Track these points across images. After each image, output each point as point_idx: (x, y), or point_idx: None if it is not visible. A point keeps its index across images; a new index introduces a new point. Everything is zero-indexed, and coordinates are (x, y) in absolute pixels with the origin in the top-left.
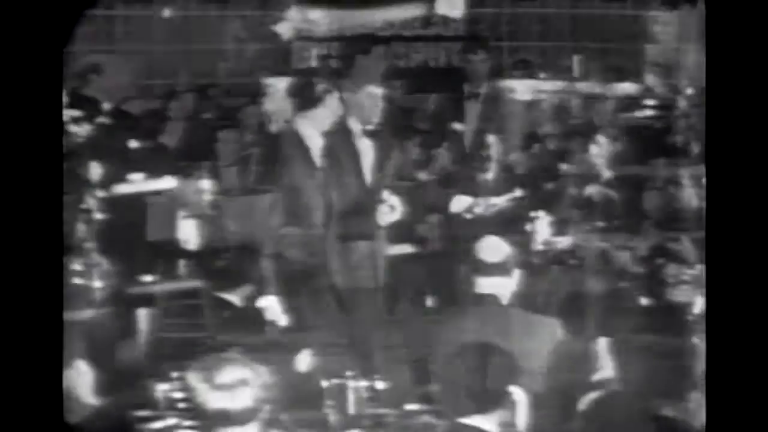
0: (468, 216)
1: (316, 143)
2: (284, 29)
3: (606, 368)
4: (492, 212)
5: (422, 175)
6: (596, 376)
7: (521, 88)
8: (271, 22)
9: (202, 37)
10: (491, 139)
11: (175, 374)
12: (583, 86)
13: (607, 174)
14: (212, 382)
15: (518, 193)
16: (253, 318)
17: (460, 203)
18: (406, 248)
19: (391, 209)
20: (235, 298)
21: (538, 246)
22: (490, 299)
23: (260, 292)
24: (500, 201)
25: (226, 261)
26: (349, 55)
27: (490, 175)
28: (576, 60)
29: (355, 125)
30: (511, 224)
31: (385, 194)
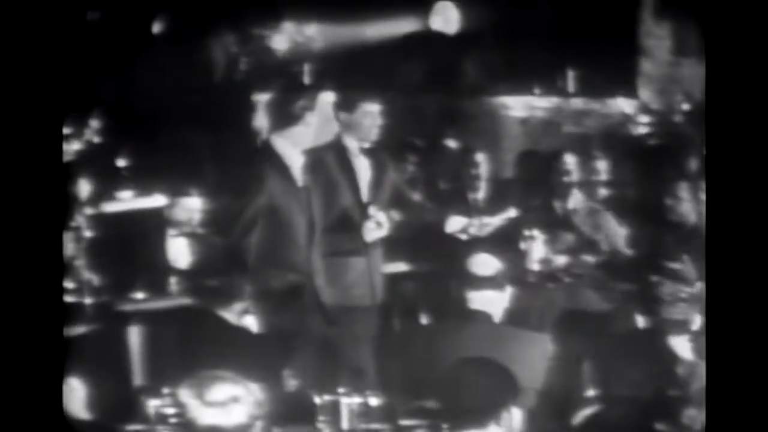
0: (463, 236)
1: (296, 161)
2: (278, 44)
3: (600, 385)
4: (486, 232)
5: (417, 194)
6: (590, 393)
7: (515, 105)
8: (266, 36)
9: (193, 51)
10: (480, 157)
11: (166, 390)
12: (578, 102)
13: (602, 191)
14: (204, 398)
15: (512, 212)
16: (244, 336)
17: (454, 224)
18: (401, 266)
19: (377, 225)
20: (230, 315)
21: (532, 264)
22: (482, 316)
23: (249, 309)
24: (494, 221)
25: (217, 278)
26: (343, 72)
27: (480, 194)
28: (571, 76)
29: (351, 143)
30: (505, 243)
31: (373, 210)
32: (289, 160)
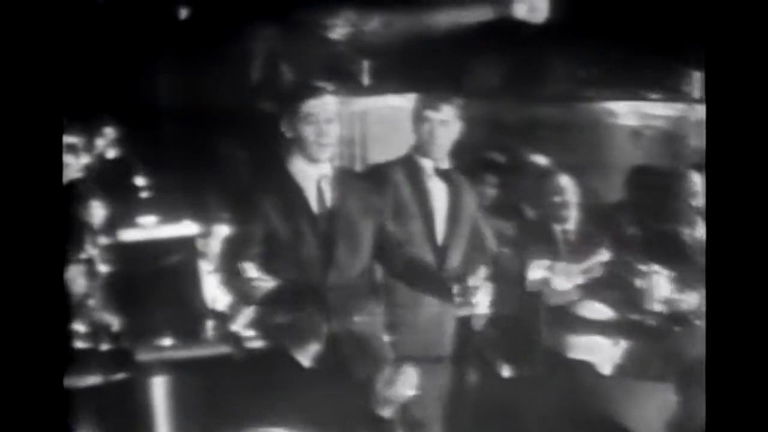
0: (557, 287)
1: (313, 181)
2: (335, 36)
3: None
4: (588, 278)
5: (503, 226)
6: None
7: (623, 111)
8: (320, 27)
9: (226, 43)
10: (565, 180)
11: None
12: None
13: None
14: None
15: (604, 255)
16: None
17: (537, 272)
18: (479, 308)
19: (470, 301)
20: (303, 358)
21: (654, 306)
22: (585, 367)
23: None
24: (592, 262)
25: (288, 315)
26: (409, 70)
27: (573, 225)
28: (696, 77)
29: (423, 161)
30: (616, 281)
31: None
32: (306, 180)
